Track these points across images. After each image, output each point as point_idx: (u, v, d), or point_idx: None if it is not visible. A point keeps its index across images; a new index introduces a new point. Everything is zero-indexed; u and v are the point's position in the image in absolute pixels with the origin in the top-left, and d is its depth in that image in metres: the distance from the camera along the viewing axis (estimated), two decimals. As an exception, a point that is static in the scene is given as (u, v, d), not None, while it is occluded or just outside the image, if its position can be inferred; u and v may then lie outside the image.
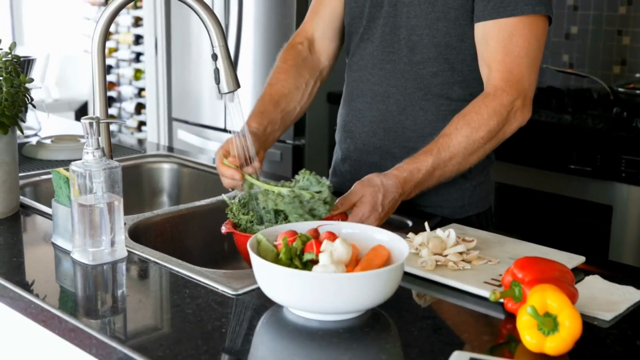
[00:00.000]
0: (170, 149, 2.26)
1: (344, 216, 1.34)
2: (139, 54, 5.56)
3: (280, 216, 1.35)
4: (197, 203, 1.62)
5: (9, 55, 1.46)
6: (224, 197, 1.40)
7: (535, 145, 2.71)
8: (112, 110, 6.11)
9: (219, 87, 1.43)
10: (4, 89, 1.42)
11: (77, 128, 2.50)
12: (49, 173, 1.82)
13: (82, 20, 6.26)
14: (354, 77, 1.67)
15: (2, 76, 1.43)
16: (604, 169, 2.55)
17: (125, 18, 5.39)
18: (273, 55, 3.31)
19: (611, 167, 2.54)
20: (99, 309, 1.13)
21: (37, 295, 1.14)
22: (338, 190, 1.67)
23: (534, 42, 1.47)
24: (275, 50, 3.31)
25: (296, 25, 3.19)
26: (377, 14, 1.60)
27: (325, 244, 1.07)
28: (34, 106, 1.52)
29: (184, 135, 3.86)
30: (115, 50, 6.11)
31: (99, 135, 1.27)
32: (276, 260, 1.08)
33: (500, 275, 1.20)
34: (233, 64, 1.42)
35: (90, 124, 1.26)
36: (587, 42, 3.19)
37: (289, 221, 1.35)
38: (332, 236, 1.11)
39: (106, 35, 1.46)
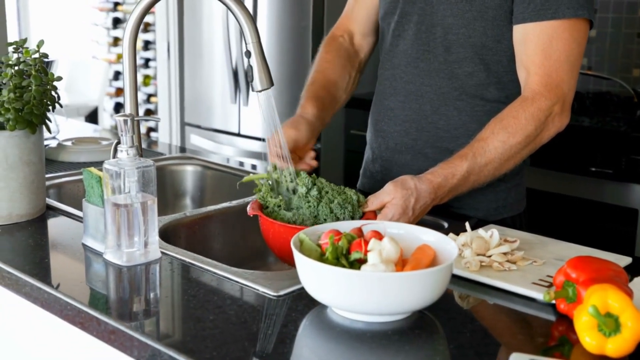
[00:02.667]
0: (183, 149, 2.24)
1: (372, 215, 1.31)
2: (147, 60, 5.54)
3: (309, 203, 1.29)
4: (226, 204, 1.59)
5: (37, 53, 1.43)
6: (252, 176, 1.37)
7: (557, 148, 2.67)
8: (120, 116, 6.09)
9: (252, 85, 1.40)
10: (33, 87, 1.39)
11: (93, 131, 2.47)
12: (71, 175, 1.80)
13: (90, 26, 6.26)
14: (387, 75, 1.64)
15: (31, 74, 1.40)
16: (628, 172, 2.52)
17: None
18: (287, 58, 3.31)
19: (635, 170, 2.50)
20: (138, 311, 1.10)
21: (73, 298, 1.10)
22: (368, 191, 1.64)
23: (575, 47, 1.44)
24: (291, 53, 3.31)
25: (312, 28, 3.17)
26: (410, 10, 1.57)
27: (373, 243, 1.04)
28: (60, 105, 1.49)
29: (196, 139, 3.83)
30: (124, 56, 6.09)
31: (133, 133, 1.24)
32: (321, 259, 1.05)
33: (548, 275, 1.17)
34: (266, 61, 1.39)
35: (125, 121, 1.23)
36: (606, 45, 3.16)
37: (318, 209, 1.29)
38: (379, 235, 1.08)
39: (137, 32, 1.43)
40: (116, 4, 5.98)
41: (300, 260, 1.03)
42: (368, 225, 1.14)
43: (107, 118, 6.11)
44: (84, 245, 1.33)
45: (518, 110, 1.42)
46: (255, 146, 3.50)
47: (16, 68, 1.41)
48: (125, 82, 1.46)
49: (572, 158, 2.66)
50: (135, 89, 1.46)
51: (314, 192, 1.29)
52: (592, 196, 2.62)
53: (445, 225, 1.47)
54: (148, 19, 5.37)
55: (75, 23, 6.39)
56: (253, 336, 0.99)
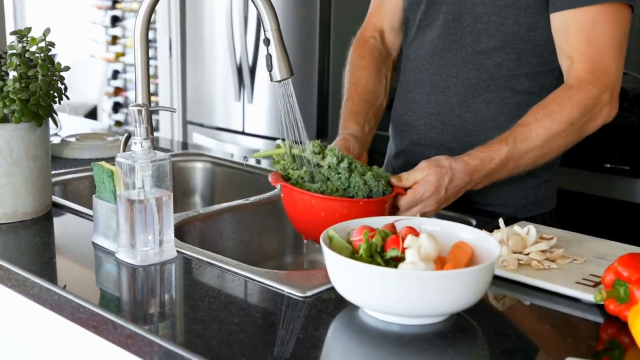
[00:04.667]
0: (185, 145, 2.17)
1: (402, 192, 1.24)
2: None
3: (339, 175, 1.22)
4: (242, 201, 1.51)
5: (43, 42, 1.36)
6: (267, 151, 1.30)
7: (578, 146, 2.60)
8: (119, 116, 6.01)
9: (270, 75, 1.32)
10: (39, 77, 1.32)
11: (91, 129, 2.39)
12: (77, 171, 1.73)
13: (88, 25, 6.18)
14: (411, 67, 1.57)
15: (37, 63, 1.33)
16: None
17: (133, 21, 5.32)
18: (294, 54, 3.22)
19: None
20: (154, 314, 1.02)
21: (86, 300, 1.03)
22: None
23: (619, 32, 1.36)
24: (297, 49, 3.23)
25: (319, 24, 3.10)
26: None
27: (410, 240, 0.96)
28: (67, 97, 1.41)
29: (199, 138, 3.76)
30: (122, 54, 6.02)
31: (147, 124, 1.17)
32: (353, 257, 0.98)
33: (592, 274, 1.10)
34: (286, 50, 1.32)
35: (139, 112, 1.16)
36: (620, 40, 3.09)
37: (350, 181, 1.21)
38: (414, 232, 1.01)
39: (149, 21, 1.36)
40: (115, 2, 5.90)
41: (332, 258, 0.95)
42: (401, 221, 1.07)
43: (105, 117, 6.03)
44: (94, 244, 1.25)
45: (563, 97, 1.35)
46: (260, 144, 3.42)
47: (21, 57, 1.34)
48: (137, 73, 1.38)
49: (586, 155, 2.59)
50: (148, 80, 1.39)
51: (345, 163, 1.22)
52: (608, 194, 2.55)
53: (473, 222, 1.40)
54: (147, 16, 5.30)
55: (73, 21, 6.31)
56: (282, 340, 0.92)
